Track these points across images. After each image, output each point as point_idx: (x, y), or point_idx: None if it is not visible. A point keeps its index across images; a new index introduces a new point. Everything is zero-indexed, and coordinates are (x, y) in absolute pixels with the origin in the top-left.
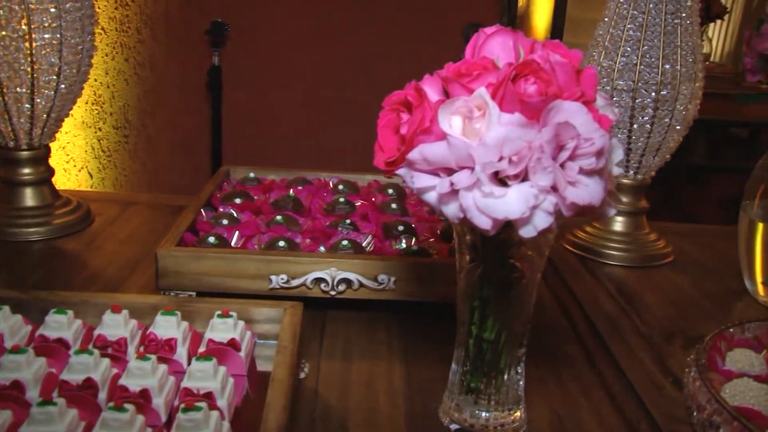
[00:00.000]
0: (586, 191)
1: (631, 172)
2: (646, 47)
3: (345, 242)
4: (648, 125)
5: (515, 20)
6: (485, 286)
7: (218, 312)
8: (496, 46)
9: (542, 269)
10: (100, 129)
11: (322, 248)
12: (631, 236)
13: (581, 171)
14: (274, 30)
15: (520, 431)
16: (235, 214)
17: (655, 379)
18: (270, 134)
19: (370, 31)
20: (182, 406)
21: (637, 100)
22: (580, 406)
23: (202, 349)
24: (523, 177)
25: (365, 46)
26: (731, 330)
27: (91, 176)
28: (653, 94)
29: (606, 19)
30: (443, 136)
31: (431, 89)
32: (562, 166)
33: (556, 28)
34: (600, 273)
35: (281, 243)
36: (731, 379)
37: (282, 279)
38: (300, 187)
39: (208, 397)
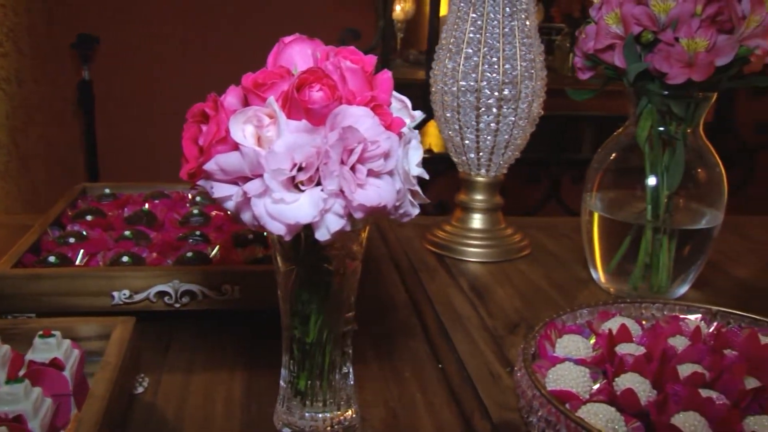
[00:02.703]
0: (376, 192)
1: (483, 170)
2: (486, 48)
3: (190, 254)
4: (493, 124)
5: (392, 24)
6: (302, 289)
7: (39, 332)
8: (295, 55)
9: (359, 271)
10: None
11: (169, 261)
12: (488, 232)
13: (371, 173)
14: (145, 43)
15: (353, 430)
16: (84, 232)
17: (493, 370)
18: (147, 148)
19: (246, 39)
20: None
21: (481, 100)
22: (417, 401)
23: (23, 372)
24: (318, 182)
25: (241, 55)
26: (563, 318)
27: None
28: (496, 93)
29: (448, 22)
30: (237, 146)
31: (234, 99)
32: (353, 169)
33: (432, 30)
34: (456, 270)
35: (125, 258)
36: (555, 365)
37: (125, 294)
38: (156, 201)
39: (18, 420)
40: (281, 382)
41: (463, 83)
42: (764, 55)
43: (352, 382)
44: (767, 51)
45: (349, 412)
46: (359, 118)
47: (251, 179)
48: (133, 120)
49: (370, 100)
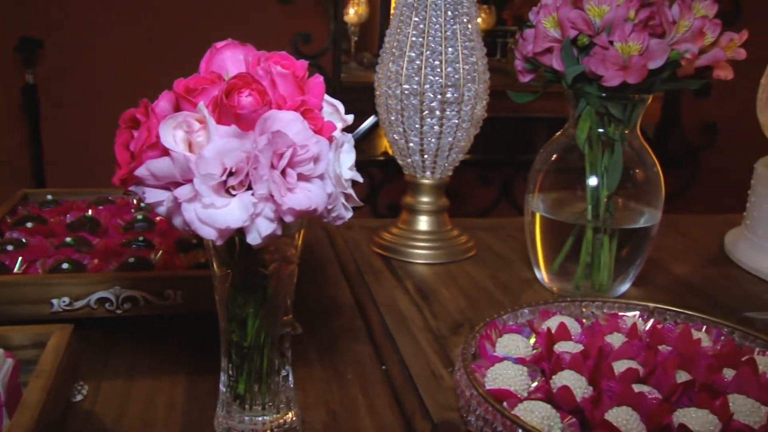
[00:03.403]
0: (307, 196)
1: (428, 172)
2: (428, 52)
3: (132, 259)
4: (437, 127)
5: (345, 27)
6: (238, 293)
7: None
8: (227, 60)
9: (295, 274)
10: None
11: (112, 267)
12: (435, 234)
13: (301, 177)
14: (91, 46)
15: None
16: (23, 240)
17: (435, 370)
18: (93, 153)
19: (194, 44)
20: None
21: (424, 103)
22: (359, 403)
23: None
24: (249, 186)
25: (188, 60)
26: (504, 317)
27: None
28: (439, 96)
29: (392, 26)
30: (168, 151)
31: (167, 104)
32: (283, 173)
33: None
34: (402, 272)
35: (65, 265)
36: (494, 364)
37: (64, 302)
38: (100, 207)
39: None
40: (221, 386)
41: (407, 86)
42: (694, 59)
43: (291, 385)
44: (696, 55)
45: (289, 415)
46: (288, 122)
47: (183, 184)
48: (79, 125)
49: (301, 105)
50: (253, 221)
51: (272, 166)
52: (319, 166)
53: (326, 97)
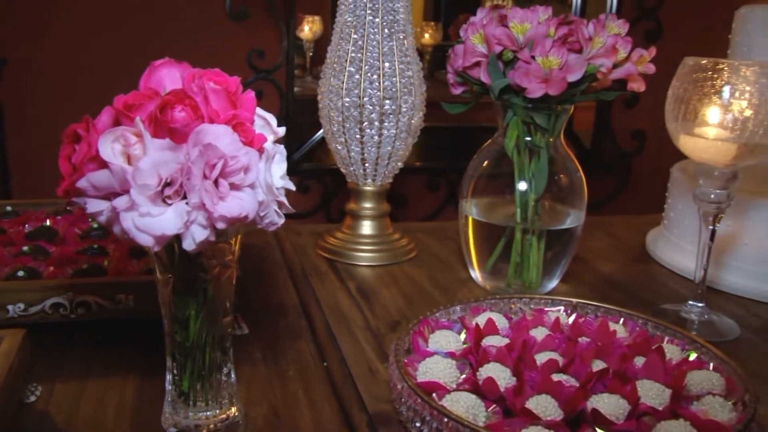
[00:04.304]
0: (238, 204)
1: (370, 179)
2: (367, 67)
3: (86, 266)
4: (376, 137)
5: (296, 44)
6: (179, 296)
7: None
8: (164, 77)
9: (234, 277)
10: None
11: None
12: (377, 238)
13: (233, 186)
14: (54, 63)
15: (236, 428)
16: None
17: (372, 366)
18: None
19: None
20: None
21: (364, 115)
22: (299, 398)
23: None
24: (184, 195)
25: None
26: (437, 314)
27: None
28: (377, 108)
29: (332, 42)
30: (107, 164)
31: (108, 119)
32: (216, 182)
33: None
34: (346, 274)
35: (21, 273)
36: (426, 358)
37: (19, 308)
38: (58, 217)
39: None
40: (167, 385)
41: (347, 99)
42: (609, 72)
43: (234, 381)
44: (610, 69)
45: (232, 410)
46: (219, 135)
47: (122, 195)
48: (44, 139)
49: (232, 118)
50: (187, 228)
51: (205, 177)
52: (249, 175)
53: (258, 110)
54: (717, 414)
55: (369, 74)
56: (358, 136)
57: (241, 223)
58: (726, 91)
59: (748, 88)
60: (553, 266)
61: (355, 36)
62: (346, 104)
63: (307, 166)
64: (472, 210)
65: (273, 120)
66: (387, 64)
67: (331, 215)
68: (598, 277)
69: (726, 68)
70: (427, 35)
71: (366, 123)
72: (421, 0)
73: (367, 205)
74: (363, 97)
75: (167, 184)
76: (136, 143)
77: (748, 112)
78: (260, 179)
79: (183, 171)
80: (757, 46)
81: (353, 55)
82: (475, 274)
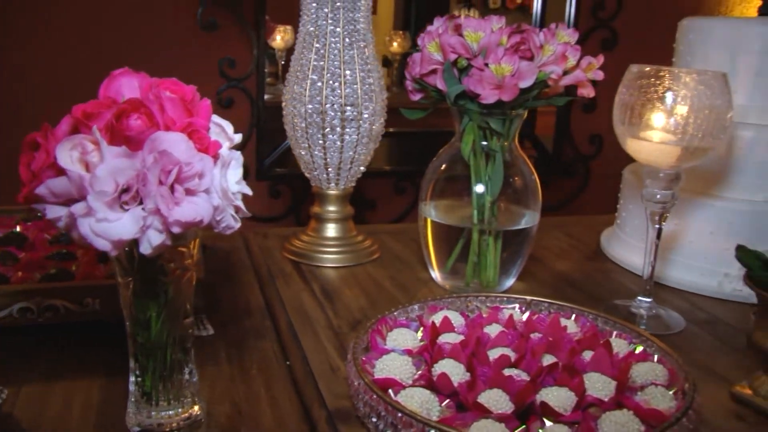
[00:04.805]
0: (193, 209)
1: (333, 184)
2: (329, 74)
3: (54, 271)
4: (338, 142)
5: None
6: (139, 299)
7: None
8: (123, 86)
9: (193, 279)
10: None
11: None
12: (341, 240)
13: (189, 192)
14: (21, 72)
15: (198, 426)
16: None
17: (333, 364)
18: None
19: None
20: None
21: (326, 121)
22: (261, 396)
23: None
24: (140, 201)
25: None
26: (395, 313)
27: None
28: (339, 114)
29: (296, 51)
30: (65, 171)
31: (67, 128)
32: (172, 188)
33: None
34: (310, 276)
35: None
36: (383, 356)
37: None
38: (29, 223)
39: None
40: (130, 385)
41: (310, 106)
42: (559, 79)
43: (196, 381)
44: (561, 75)
45: (195, 409)
46: (174, 142)
47: (80, 201)
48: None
49: (188, 126)
50: (144, 233)
51: (160, 183)
52: (204, 181)
53: (214, 118)
54: (659, 403)
55: (331, 82)
56: (320, 141)
57: (197, 227)
58: (668, 96)
59: (688, 94)
60: (510, 265)
61: (317, 45)
62: (309, 111)
63: (278, 171)
64: (431, 212)
65: (229, 127)
66: (348, 72)
67: (300, 219)
68: (555, 275)
69: (667, 75)
70: (395, 44)
71: (328, 129)
72: (391, 9)
73: (331, 208)
74: (325, 104)
75: (124, 191)
76: (93, 151)
77: (688, 117)
78: (215, 184)
79: (139, 177)
80: (698, 54)
81: (315, 63)
82: (435, 274)
